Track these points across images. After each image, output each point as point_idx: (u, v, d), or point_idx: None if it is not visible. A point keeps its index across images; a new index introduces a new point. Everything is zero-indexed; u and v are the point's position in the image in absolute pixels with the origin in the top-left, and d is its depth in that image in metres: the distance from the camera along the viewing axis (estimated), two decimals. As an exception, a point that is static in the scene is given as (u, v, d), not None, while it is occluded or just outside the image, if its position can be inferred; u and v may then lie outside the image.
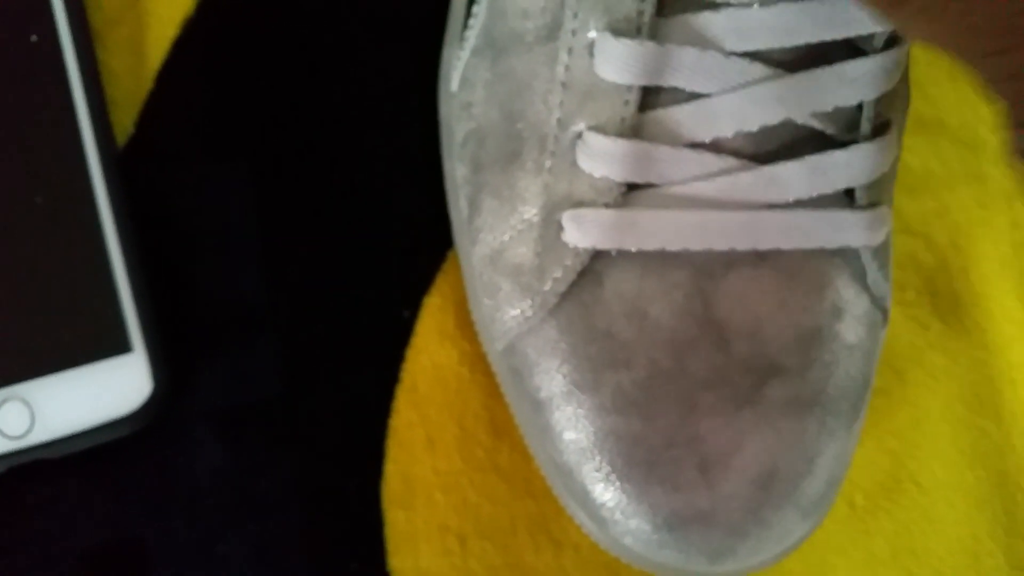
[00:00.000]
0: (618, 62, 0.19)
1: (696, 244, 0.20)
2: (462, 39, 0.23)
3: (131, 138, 0.26)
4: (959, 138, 0.27)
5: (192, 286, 0.26)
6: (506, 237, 0.22)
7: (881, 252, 0.22)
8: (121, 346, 0.24)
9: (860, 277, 0.22)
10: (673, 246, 0.20)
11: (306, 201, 0.26)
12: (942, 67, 0.28)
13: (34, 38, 0.26)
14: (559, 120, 0.21)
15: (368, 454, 0.26)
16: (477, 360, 0.26)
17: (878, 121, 0.21)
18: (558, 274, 0.21)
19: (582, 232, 0.20)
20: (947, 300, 0.27)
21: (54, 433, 0.24)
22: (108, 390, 0.24)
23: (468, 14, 0.23)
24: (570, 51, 0.20)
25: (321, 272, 0.26)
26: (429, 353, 0.26)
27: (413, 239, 0.26)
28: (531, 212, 0.21)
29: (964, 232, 0.27)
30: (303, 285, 0.26)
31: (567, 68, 0.20)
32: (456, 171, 0.23)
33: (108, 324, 0.25)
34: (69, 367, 0.24)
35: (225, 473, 0.25)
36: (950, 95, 0.27)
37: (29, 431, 0.23)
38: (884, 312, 0.22)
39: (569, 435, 0.21)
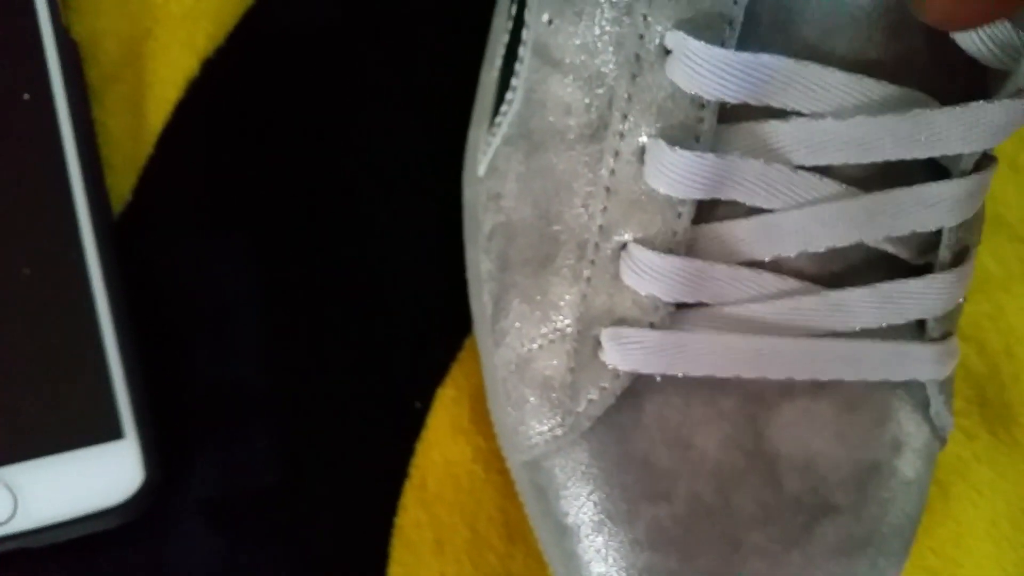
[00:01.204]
0: (672, 174, 0.17)
1: (750, 372, 0.18)
2: (492, 123, 0.21)
3: (128, 206, 0.25)
4: (1018, 235, 0.26)
5: (188, 368, 0.24)
6: (535, 346, 0.20)
7: (948, 383, 0.20)
8: (112, 432, 0.23)
9: (923, 407, 0.20)
10: (724, 373, 0.18)
11: (312, 279, 0.25)
12: (1004, 157, 0.26)
13: (26, 96, 0.24)
14: (601, 227, 0.19)
15: (371, 554, 0.24)
16: (492, 458, 0.24)
17: (958, 247, 0.19)
18: (594, 396, 0.19)
19: (623, 354, 0.19)
20: (997, 410, 0.25)
21: (37, 521, 0.22)
22: (97, 478, 0.22)
23: (500, 97, 0.21)
24: (616, 155, 0.18)
25: (326, 356, 0.24)
26: (441, 448, 0.24)
27: (428, 325, 0.25)
28: (565, 323, 0.20)
29: (1019, 337, 0.25)
30: (306, 369, 0.24)
31: (613, 172, 0.18)
32: (481, 263, 0.22)
33: (99, 408, 0.23)
34: (56, 452, 0.22)
35: (219, 570, 0.23)
36: (1010, 188, 0.26)
37: (11, 518, 0.22)
38: (943, 441, 0.21)
39: (598, 567, 0.20)
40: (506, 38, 0.21)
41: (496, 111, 0.21)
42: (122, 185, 0.25)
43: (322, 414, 0.24)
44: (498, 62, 0.22)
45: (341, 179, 0.25)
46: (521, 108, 0.20)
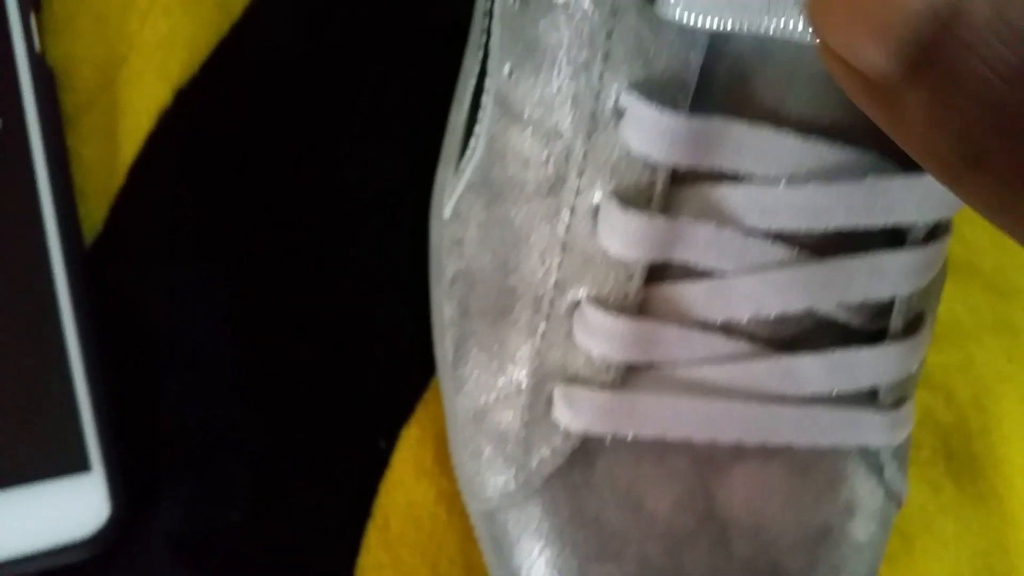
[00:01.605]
0: (624, 236, 0.17)
1: (700, 434, 0.18)
2: (458, 167, 0.21)
3: (99, 235, 0.25)
4: (992, 284, 0.25)
5: (156, 400, 0.24)
6: (492, 397, 0.20)
7: (902, 448, 0.20)
8: (78, 464, 0.23)
9: (877, 471, 0.20)
10: (675, 434, 0.18)
11: (282, 313, 0.25)
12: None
13: (0, 123, 0.24)
14: (556, 283, 0.19)
15: (333, 592, 0.24)
16: (455, 500, 0.24)
17: (911, 315, 0.19)
18: (545, 454, 0.19)
19: (574, 413, 0.18)
20: (963, 462, 0.25)
21: (2, 554, 0.22)
22: (62, 511, 0.22)
23: (466, 142, 0.21)
24: (572, 211, 0.18)
25: (293, 392, 0.24)
26: (405, 489, 0.24)
27: (394, 363, 0.25)
28: (520, 375, 0.19)
29: (988, 388, 0.25)
30: (273, 404, 0.24)
31: (568, 229, 0.18)
32: (443, 308, 0.21)
33: (65, 439, 0.23)
34: (19, 483, 0.22)
35: (182, 603, 0.23)
36: (984, 235, 0.25)
37: (-25, 551, 0.22)
38: (899, 503, 0.21)
39: (548, 622, 0.20)
40: (474, 81, 0.21)
41: (462, 154, 0.21)
42: (94, 214, 0.25)
43: (288, 450, 0.24)
44: (466, 104, 0.22)
45: (312, 213, 0.25)
46: (483, 156, 0.20)
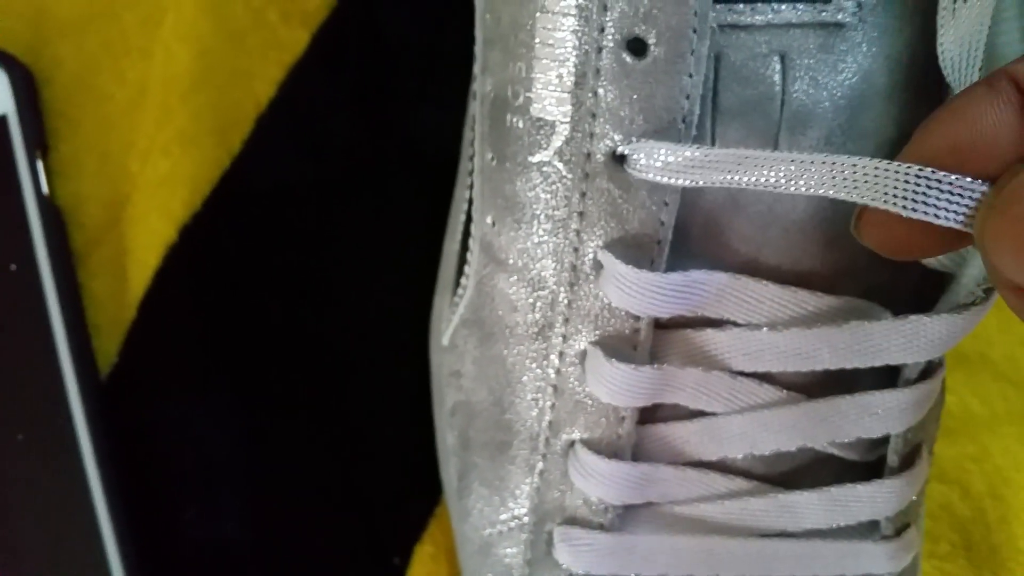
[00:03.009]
0: (611, 386, 0.17)
1: (702, 572, 0.18)
2: (453, 296, 0.21)
3: (114, 367, 0.25)
4: (1003, 374, 0.25)
5: (176, 524, 0.25)
6: (495, 531, 0.20)
7: (908, 571, 0.20)
8: (104, 587, 0.23)
9: None
10: (676, 573, 0.18)
11: (294, 437, 0.25)
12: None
13: (13, 267, 0.25)
14: (550, 423, 0.19)
15: None
16: (472, 615, 0.24)
17: (907, 450, 0.18)
18: None
19: (575, 555, 0.19)
20: (983, 554, 0.25)
21: None
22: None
23: (460, 271, 0.21)
24: (561, 356, 0.18)
25: (308, 513, 0.25)
26: (421, 605, 0.24)
27: (405, 483, 0.25)
28: (521, 511, 0.20)
29: (1005, 479, 0.25)
30: (288, 526, 0.25)
31: (558, 372, 0.18)
32: (446, 436, 0.22)
33: (90, 564, 0.23)
34: (49, 611, 0.23)
35: None
36: (994, 325, 0.25)
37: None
38: None
39: None
40: (463, 216, 0.21)
41: (457, 283, 0.21)
42: (108, 346, 0.25)
43: (304, 570, 0.25)
44: (458, 235, 0.22)
45: (320, 337, 0.25)
46: (473, 296, 0.20)
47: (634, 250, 0.17)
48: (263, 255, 0.25)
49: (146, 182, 0.25)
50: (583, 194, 0.17)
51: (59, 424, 0.25)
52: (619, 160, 0.16)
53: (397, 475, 0.25)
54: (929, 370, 0.18)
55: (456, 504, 0.22)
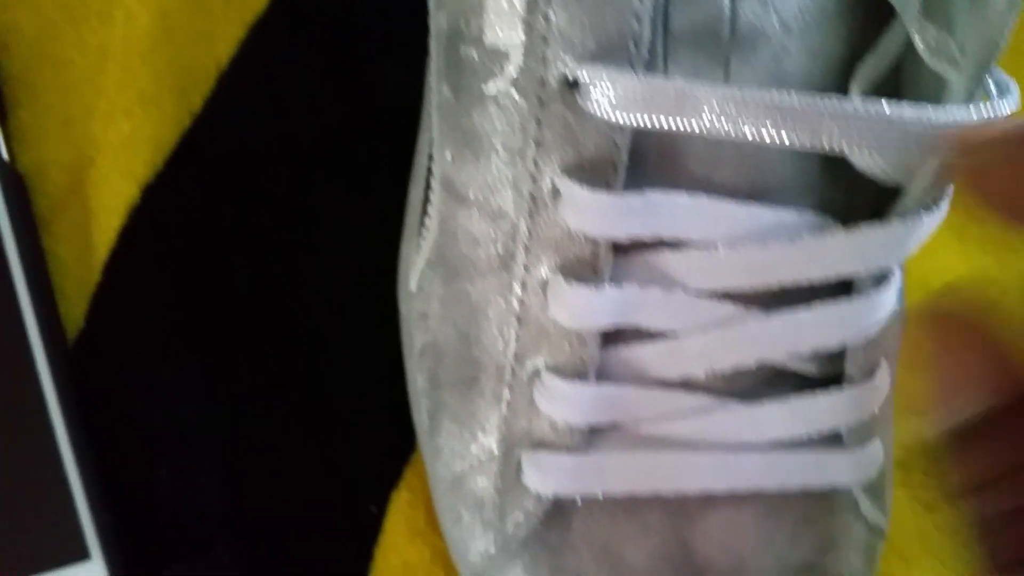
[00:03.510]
0: (573, 308, 0.18)
1: (668, 486, 0.19)
2: (418, 244, 0.22)
3: (81, 331, 0.25)
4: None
5: (149, 487, 0.25)
6: (466, 465, 0.20)
7: (876, 484, 0.20)
8: (78, 553, 0.23)
9: (852, 506, 0.20)
10: (643, 489, 0.19)
11: (263, 394, 0.25)
12: (951, 228, 0.26)
13: (-29, 232, 0.25)
14: (516, 354, 0.19)
15: (338, 663, 0.24)
16: (450, 558, 0.24)
17: (866, 362, 0.19)
18: (519, 518, 0.19)
19: (543, 478, 0.19)
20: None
21: (7, 646, 0.22)
22: (66, 600, 0.23)
23: (423, 218, 0.21)
24: (524, 286, 0.19)
25: (283, 469, 0.25)
26: (399, 551, 0.25)
27: (379, 431, 0.25)
28: (490, 443, 0.20)
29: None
30: (263, 481, 0.25)
31: (521, 303, 0.19)
32: (416, 380, 0.22)
33: (64, 530, 0.23)
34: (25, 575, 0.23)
35: None
36: (958, 260, 0.26)
37: (-17, 644, 0.22)
38: (882, 533, 0.21)
39: None
40: (426, 160, 0.22)
41: (421, 226, 0.22)
42: (75, 311, 0.25)
43: (281, 525, 0.25)
44: (422, 181, 0.22)
45: (286, 294, 0.25)
46: (437, 236, 0.20)
47: (591, 174, 0.17)
48: (228, 213, 0.25)
49: (108, 144, 0.25)
50: (539, 121, 0.17)
51: (27, 390, 0.24)
52: (572, 86, 0.17)
53: (370, 424, 0.25)
54: (883, 280, 0.18)
55: (428, 445, 0.22)
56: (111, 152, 0.25)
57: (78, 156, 0.26)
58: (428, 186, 0.22)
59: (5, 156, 0.25)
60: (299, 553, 0.25)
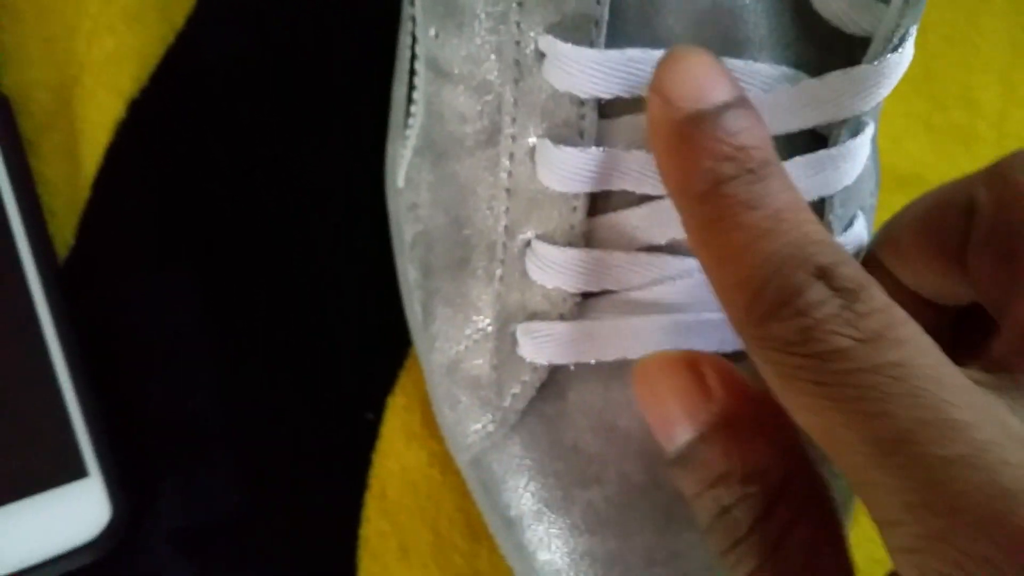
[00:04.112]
0: (561, 171, 0.18)
1: (659, 350, 0.19)
2: (404, 136, 0.22)
3: (72, 250, 0.25)
4: (940, 192, 0.26)
5: (144, 401, 0.25)
6: (461, 347, 0.21)
7: None
8: (76, 471, 0.23)
9: None
10: (634, 354, 0.19)
11: (255, 305, 0.25)
12: (918, 118, 0.26)
13: (-40, 152, 0.25)
14: (506, 227, 0.19)
15: (339, 567, 0.25)
16: (447, 460, 0.25)
17: (844, 213, 0.19)
18: (516, 390, 0.20)
19: (537, 347, 0.19)
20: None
21: (10, 566, 0.23)
22: (65, 518, 0.23)
23: (408, 110, 0.22)
24: (511, 157, 0.19)
25: (276, 379, 0.25)
26: (396, 456, 0.25)
27: (372, 338, 0.25)
28: (485, 322, 0.20)
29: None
30: (258, 393, 0.25)
31: (510, 174, 0.19)
32: (408, 273, 0.22)
33: (61, 449, 0.24)
34: (22, 496, 0.23)
35: (193, 595, 0.24)
36: (928, 148, 0.26)
37: (-17, 566, 0.22)
38: None
39: (543, 555, 0.20)
40: (408, 53, 0.22)
41: (407, 124, 0.22)
42: (65, 230, 0.25)
43: (278, 435, 0.25)
44: (405, 77, 0.22)
45: (274, 204, 0.26)
46: (424, 120, 0.20)
47: (573, 32, 0.17)
48: (214, 124, 0.25)
49: (92, 61, 0.25)
50: None
51: (20, 311, 0.25)
52: None
53: (362, 332, 0.25)
54: (857, 130, 0.19)
55: (423, 336, 0.22)
56: (96, 68, 0.25)
57: (62, 76, 0.26)
58: (411, 80, 0.22)
59: (-10, 77, 0.25)
60: (297, 462, 0.25)
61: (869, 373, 0.13)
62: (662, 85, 0.16)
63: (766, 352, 0.14)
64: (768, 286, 0.14)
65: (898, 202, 0.26)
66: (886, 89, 0.18)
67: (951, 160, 0.27)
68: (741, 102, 0.16)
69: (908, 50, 0.18)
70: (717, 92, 0.15)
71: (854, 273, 0.14)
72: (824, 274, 0.14)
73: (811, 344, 0.13)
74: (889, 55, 0.17)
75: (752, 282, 0.14)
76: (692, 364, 0.16)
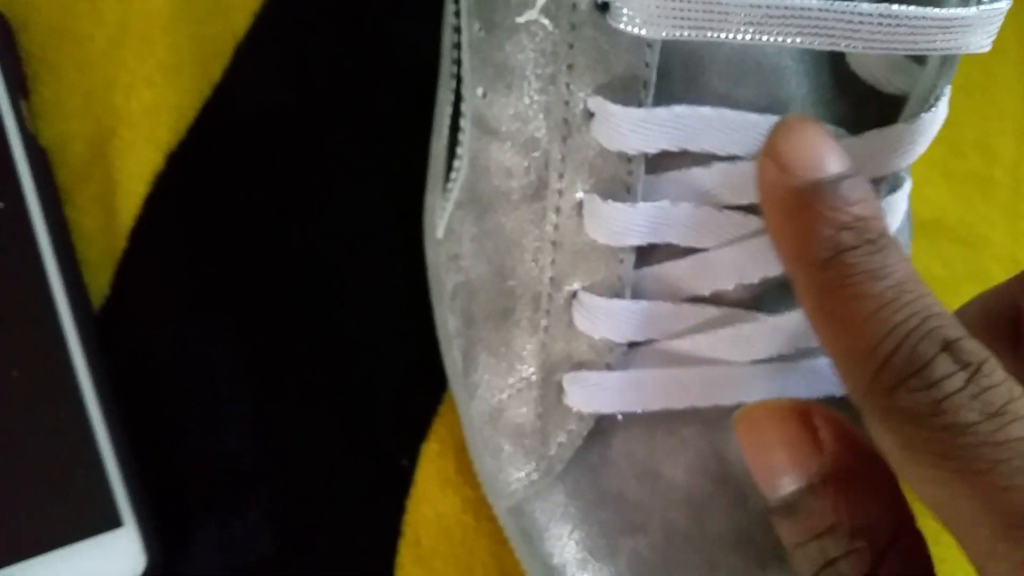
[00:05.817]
0: (609, 226, 0.19)
1: (704, 400, 0.19)
2: (445, 189, 0.22)
3: (107, 299, 0.26)
4: (960, 237, 0.27)
5: (180, 450, 0.25)
6: (504, 396, 0.21)
7: None
8: (111, 521, 0.23)
9: None
10: (679, 404, 0.19)
11: (291, 352, 0.26)
12: (936, 165, 0.27)
13: (1, 205, 0.25)
14: (552, 279, 0.20)
15: (374, 615, 0.25)
16: (481, 506, 0.25)
17: None
18: (562, 439, 0.20)
19: (585, 396, 0.20)
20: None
21: (49, 616, 0.22)
22: (101, 567, 0.23)
23: (449, 163, 0.22)
24: (558, 211, 0.19)
25: (311, 425, 0.25)
26: (431, 502, 0.25)
27: (406, 385, 0.26)
28: (529, 371, 0.21)
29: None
30: (294, 440, 0.25)
31: (556, 227, 0.19)
32: (448, 322, 0.23)
33: (96, 498, 0.24)
34: (59, 546, 0.23)
35: (226, 643, 0.24)
36: (945, 193, 0.27)
37: (22, 615, 0.22)
38: None
39: (587, 603, 0.20)
40: (449, 109, 0.22)
41: (447, 177, 0.22)
42: (100, 280, 0.26)
43: (313, 482, 0.25)
44: (445, 131, 0.23)
45: (311, 253, 0.26)
46: (468, 174, 0.21)
47: (622, 93, 0.18)
48: (252, 176, 0.26)
49: (131, 113, 0.26)
50: (570, 46, 0.18)
51: (55, 359, 0.25)
52: (602, 8, 0.18)
53: (396, 378, 0.26)
54: (895, 186, 0.19)
55: (462, 385, 0.22)
56: (135, 119, 0.26)
57: (99, 128, 0.26)
58: (453, 135, 0.22)
59: (30, 131, 0.26)
60: (332, 509, 0.25)
61: (999, 447, 0.13)
62: (778, 152, 0.16)
63: (892, 423, 0.14)
64: (896, 356, 0.14)
65: (919, 247, 0.27)
66: (922, 147, 0.18)
67: (969, 205, 0.27)
68: (856, 173, 0.16)
69: (942, 108, 0.18)
70: (834, 162, 0.16)
71: (977, 347, 0.14)
72: (949, 347, 0.14)
73: (942, 417, 0.13)
74: (924, 114, 0.18)
75: (879, 352, 0.14)
76: (803, 415, 0.16)
